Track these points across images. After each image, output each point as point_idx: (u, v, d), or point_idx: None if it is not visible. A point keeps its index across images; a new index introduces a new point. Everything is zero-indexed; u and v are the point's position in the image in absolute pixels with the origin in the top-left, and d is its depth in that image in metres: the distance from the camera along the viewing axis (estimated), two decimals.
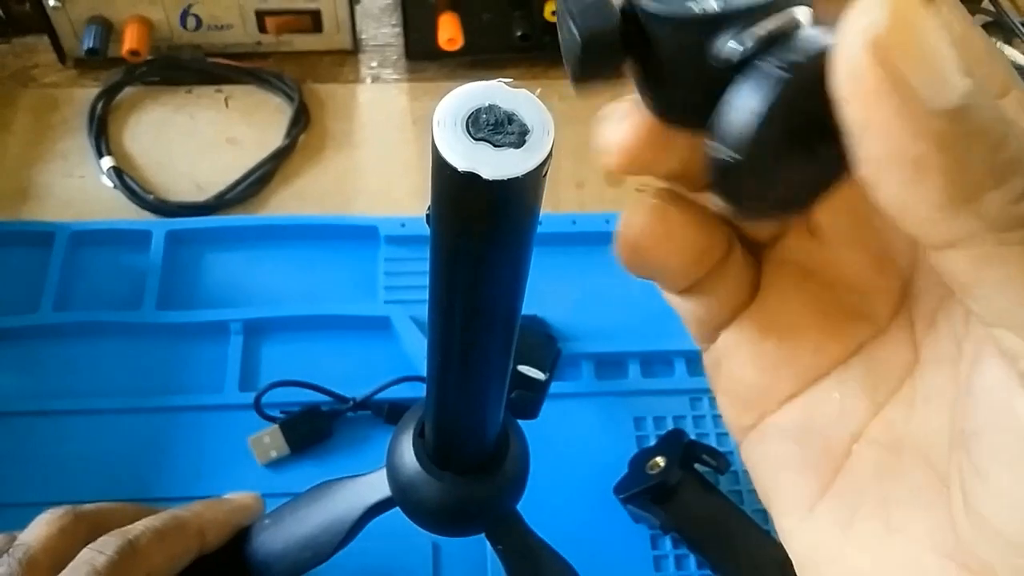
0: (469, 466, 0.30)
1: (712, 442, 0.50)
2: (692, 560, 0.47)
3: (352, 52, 0.68)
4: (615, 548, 0.48)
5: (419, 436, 0.31)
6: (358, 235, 0.57)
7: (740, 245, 0.22)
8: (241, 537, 0.38)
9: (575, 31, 0.16)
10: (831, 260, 0.21)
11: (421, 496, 0.31)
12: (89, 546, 0.33)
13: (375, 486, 0.33)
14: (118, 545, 0.33)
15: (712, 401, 0.52)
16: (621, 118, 0.19)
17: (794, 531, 0.21)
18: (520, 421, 0.33)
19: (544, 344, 0.50)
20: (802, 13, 0.16)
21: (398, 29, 0.68)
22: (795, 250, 0.22)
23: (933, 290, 0.20)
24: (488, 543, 0.35)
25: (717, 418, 0.52)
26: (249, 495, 0.40)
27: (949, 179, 0.15)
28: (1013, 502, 0.16)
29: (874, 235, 0.20)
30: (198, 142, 0.63)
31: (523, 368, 0.48)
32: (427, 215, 0.20)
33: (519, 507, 0.34)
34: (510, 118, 0.18)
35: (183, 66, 0.65)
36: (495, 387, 0.26)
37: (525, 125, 0.18)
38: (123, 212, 0.59)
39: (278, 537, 0.37)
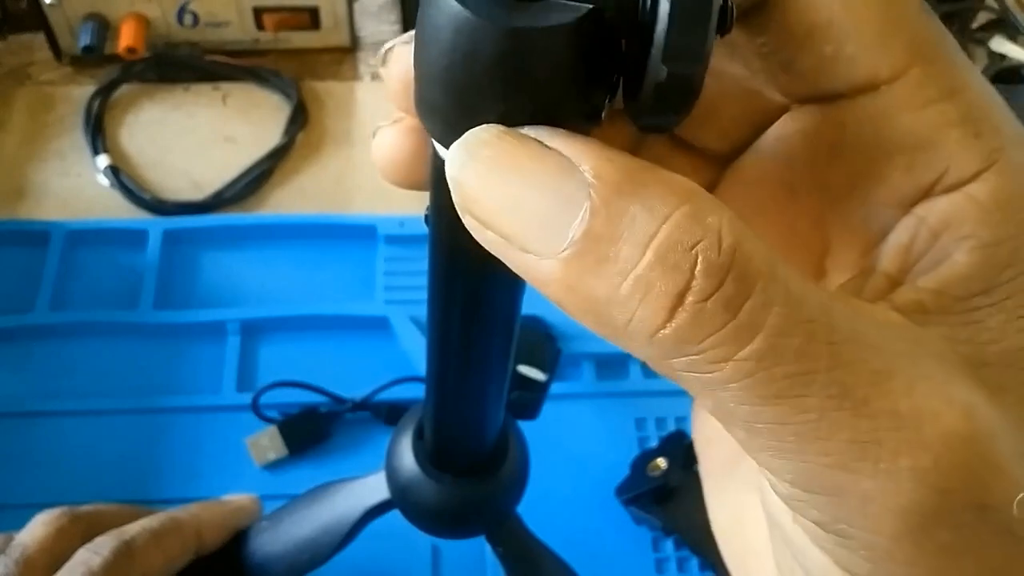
0: (469, 468, 0.30)
1: None
2: (694, 562, 0.47)
3: (350, 49, 0.67)
4: (617, 550, 0.47)
5: (418, 438, 0.31)
6: (357, 234, 0.56)
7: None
8: (238, 539, 0.38)
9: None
10: None
11: (420, 498, 0.30)
12: (85, 547, 0.33)
13: (374, 488, 0.33)
14: (114, 546, 0.33)
15: None
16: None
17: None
18: (520, 422, 0.33)
19: (544, 344, 0.50)
20: None
21: (397, 26, 0.68)
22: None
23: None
24: (487, 545, 0.34)
25: None
26: (247, 497, 0.40)
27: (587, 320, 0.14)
28: None
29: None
30: (195, 140, 0.63)
31: (523, 368, 0.48)
32: (426, 216, 0.20)
33: (520, 508, 0.34)
34: None
35: (180, 63, 0.65)
36: (495, 389, 0.26)
37: None
38: (119, 211, 0.59)
39: (276, 539, 0.37)
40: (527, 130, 0.14)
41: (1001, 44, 0.67)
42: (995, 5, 0.68)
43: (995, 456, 0.14)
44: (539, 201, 0.13)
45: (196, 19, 0.63)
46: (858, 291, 0.16)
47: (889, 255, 0.16)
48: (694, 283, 0.13)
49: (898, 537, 0.14)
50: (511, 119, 0.15)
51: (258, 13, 0.64)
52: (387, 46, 0.17)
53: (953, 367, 0.14)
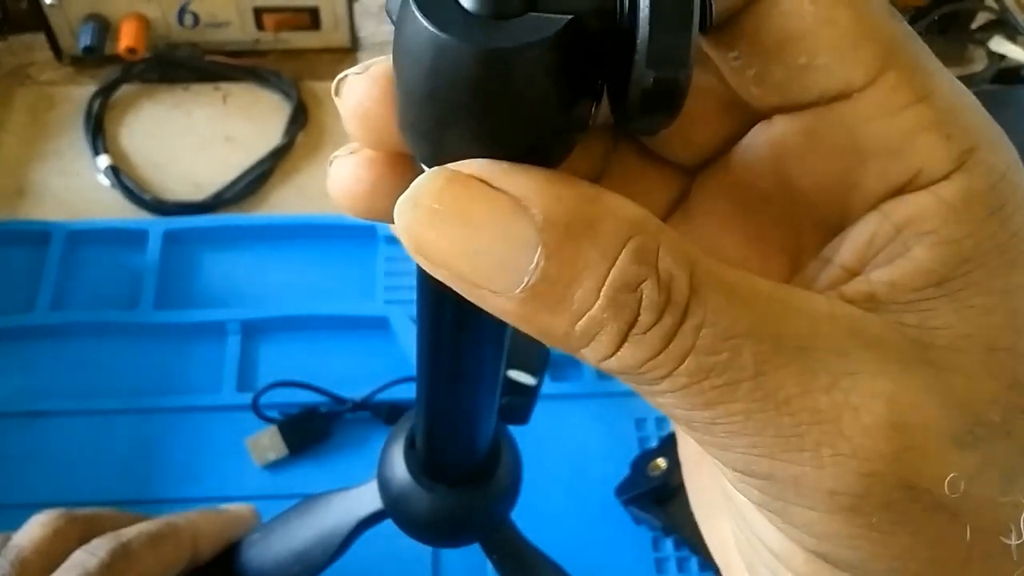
0: (461, 477, 0.30)
1: None
2: (694, 562, 0.47)
3: (351, 50, 0.67)
4: (617, 550, 0.47)
5: (410, 447, 0.30)
6: (357, 235, 0.56)
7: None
8: (232, 551, 0.38)
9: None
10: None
11: (413, 508, 0.30)
12: (81, 548, 0.33)
13: (366, 498, 0.33)
14: (110, 548, 0.33)
15: None
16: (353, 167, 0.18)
17: None
18: (519, 423, 0.33)
19: (533, 347, 0.49)
20: None
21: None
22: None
23: None
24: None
25: None
26: (244, 506, 0.40)
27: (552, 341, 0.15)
28: None
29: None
30: (196, 140, 0.63)
31: (512, 373, 0.47)
32: None
33: (520, 509, 0.34)
34: None
35: (180, 64, 0.65)
36: (486, 397, 0.26)
37: None
38: (120, 211, 0.59)
39: (268, 552, 0.36)
40: (473, 169, 0.14)
41: (1001, 44, 0.67)
42: (995, 5, 0.68)
43: (921, 440, 0.15)
44: (491, 246, 0.14)
45: (196, 19, 0.63)
46: (811, 281, 0.17)
47: (848, 247, 0.16)
48: (639, 319, 0.14)
49: (831, 514, 0.15)
50: (498, 139, 0.14)
51: (258, 13, 0.64)
52: (339, 77, 0.17)
53: (889, 354, 0.15)
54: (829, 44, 0.15)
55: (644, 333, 0.14)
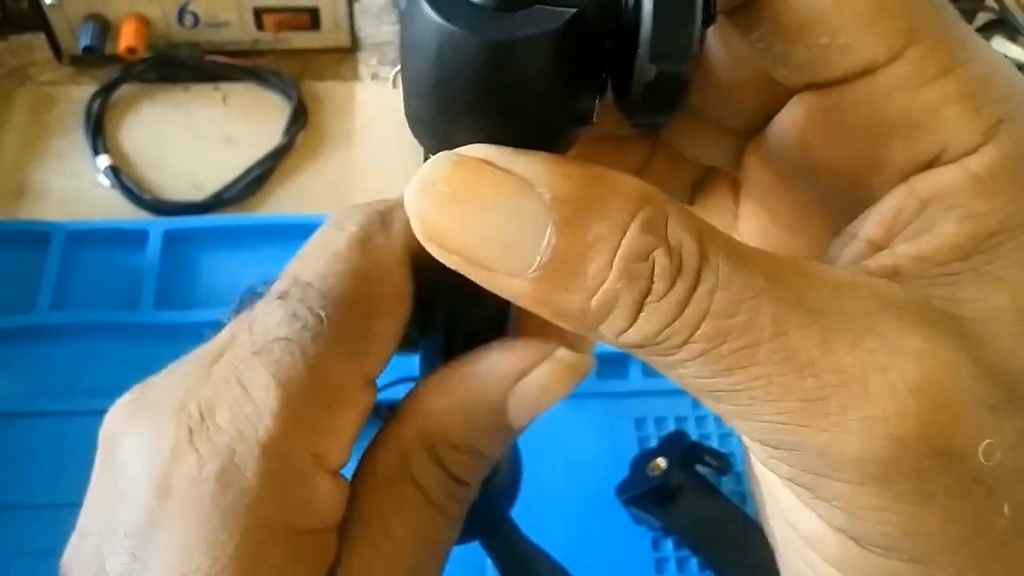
0: None
1: (714, 443, 0.50)
2: (694, 562, 0.47)
3: (351, 50, 0.67)
4: (616, 550, 0.47)
5: None
6: None
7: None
8: None
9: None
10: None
11: None
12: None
13: None
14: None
15: None
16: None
17: None
18: None
19: None
20: None
21: (397, 26, 0.68)
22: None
23: None
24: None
25: (719, 419, 0.51)
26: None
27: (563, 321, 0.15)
28: None
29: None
30: (196, 140, 0.63)
31: None
32: None
33: (519, 508, 0.33)
34: None
35: (181, 64, 0.65)
36: None
37: None
38: (120, 211, 0.59)
39: None
40: (480, 152, 0.14)
41: (1001, 44, 0.67)
42: (995, 5, 0.68)
43: (954, 402, 0.14)
44: (502, 226, 0.14)
45: (196, 19, 0.63)
46: (834, 256, 0.17)
47: (874, 221, 0.16)
48: (652, 287, 0.14)
49: (860, 484, 0.14)
50: (502, 129, 0.15)
51: (258, 13, 0.64)
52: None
53: (916, 317, 0.14)
54: (848, 23, 0.15)
55: (659, 301, 0.14)
